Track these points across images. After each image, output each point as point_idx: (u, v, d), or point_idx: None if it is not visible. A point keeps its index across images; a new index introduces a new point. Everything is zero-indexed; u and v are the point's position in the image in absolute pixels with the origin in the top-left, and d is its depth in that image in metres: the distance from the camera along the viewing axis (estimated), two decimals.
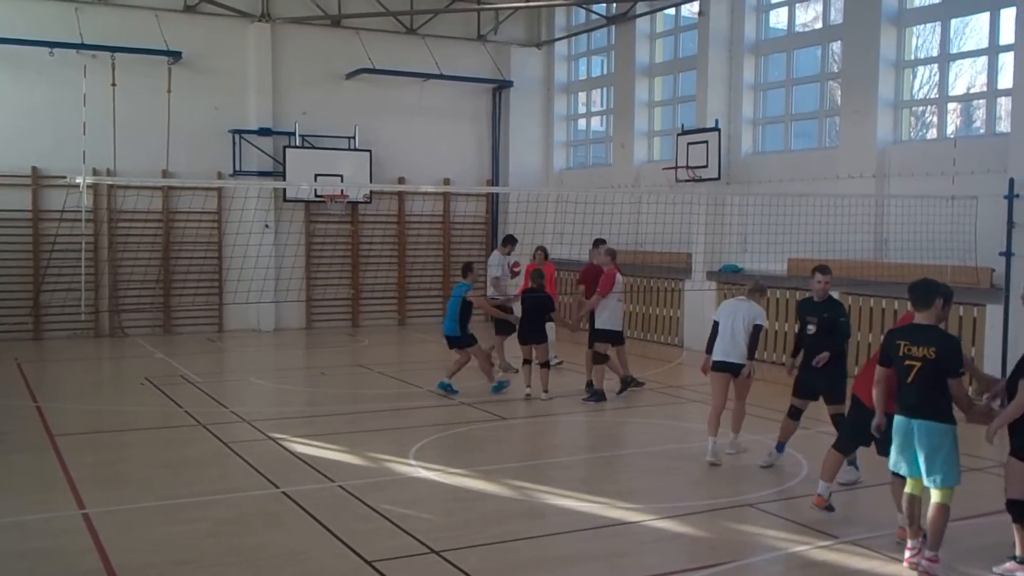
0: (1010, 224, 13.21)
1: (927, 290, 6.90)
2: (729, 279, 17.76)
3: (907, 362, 6.77)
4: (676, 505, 8.23)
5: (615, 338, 13.50)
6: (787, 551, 7.28)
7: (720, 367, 10.09)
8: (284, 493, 8.66)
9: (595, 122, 24.44)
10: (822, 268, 9.69)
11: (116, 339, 19.71)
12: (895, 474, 7.10)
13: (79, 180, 11.35)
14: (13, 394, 13.55)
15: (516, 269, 15.83)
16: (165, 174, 19.59)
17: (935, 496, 6.74)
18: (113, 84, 19.04)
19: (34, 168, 19.09)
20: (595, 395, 13.25)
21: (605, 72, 23.70)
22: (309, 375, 16.53)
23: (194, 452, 10.39)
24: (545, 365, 13.44)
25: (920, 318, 6.90)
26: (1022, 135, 13.24)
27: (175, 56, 19.90)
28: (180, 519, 7.94)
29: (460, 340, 13.77)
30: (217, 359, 18.16)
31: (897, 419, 6.88)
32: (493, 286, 15.69)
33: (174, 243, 20.35)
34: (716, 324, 10.17)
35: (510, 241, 16.14)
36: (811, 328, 9.42)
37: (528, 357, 13.46)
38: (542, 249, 15.60)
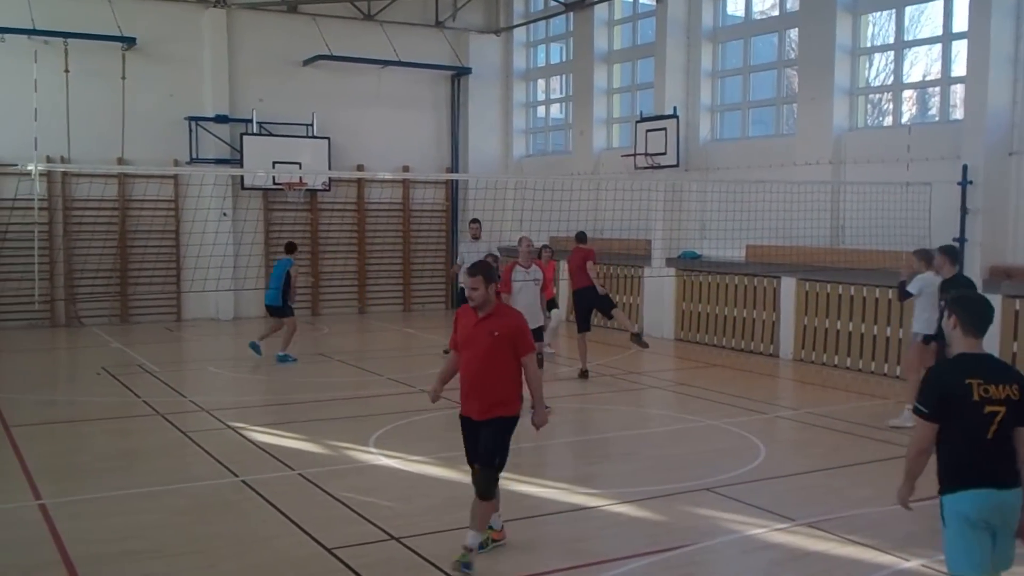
0: (963, 210, 13.39)
1: (992, 312, 4.97)
2: (688, 265, 17.89)
3: (988, 408, 4.61)
4: (634, 490, 8.28)
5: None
6: (744, 534, 7.36)
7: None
8: (243, 482, 8.62)
9: (554, 109, 24.45)
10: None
11: (72, 328, 19.45)
12: None
13: (31, 168, 11.20)
14: None
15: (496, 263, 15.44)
16: (120, 161, 19.32)
17: None
18: (66, 70, 18.83)
19: None
20: None
21: (564, 59, 23.71)
22: (268, 363, 16.41)
23: (152, 442, 10.31)
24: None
25: (975, 346, 4.81)
26: (975, 122, 13.42)
27: (129, 42, 19.63)
28: (137, 509, 7.88)
29: (280, 310, 15.46)
30: (175, 348, 17.98)
31: (975, 495, 4.63)
32: (458, 273, 15.41)
33: (130, 231, 20.10)
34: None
35: (473, 222, 15.99)
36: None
37: None
38: (548, 248, 15.41)
